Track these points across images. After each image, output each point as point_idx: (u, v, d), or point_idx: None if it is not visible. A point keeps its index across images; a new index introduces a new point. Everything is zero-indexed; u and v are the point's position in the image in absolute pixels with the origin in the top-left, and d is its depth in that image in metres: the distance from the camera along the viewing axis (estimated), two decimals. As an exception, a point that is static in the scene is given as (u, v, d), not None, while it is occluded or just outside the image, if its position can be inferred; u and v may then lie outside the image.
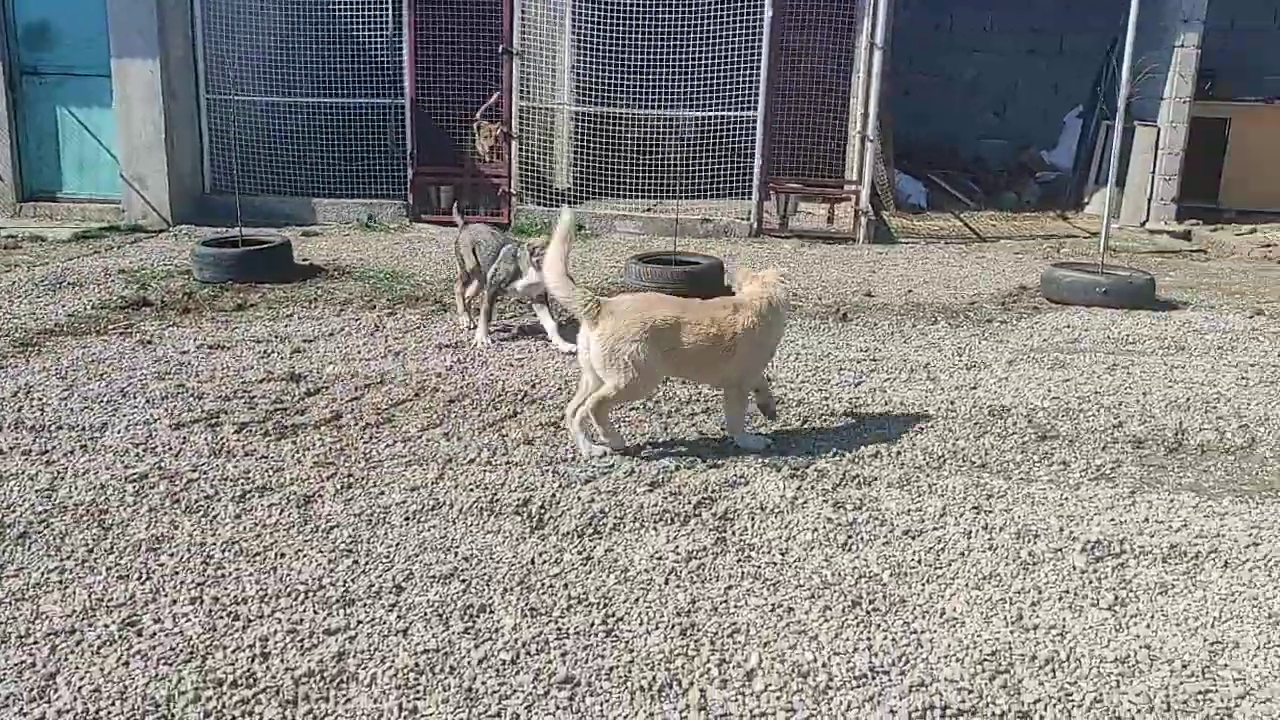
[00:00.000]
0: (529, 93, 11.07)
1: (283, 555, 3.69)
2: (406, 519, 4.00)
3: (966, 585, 3.57)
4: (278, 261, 8.37)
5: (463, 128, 11.41)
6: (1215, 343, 6.96)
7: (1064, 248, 10.83)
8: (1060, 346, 6.82)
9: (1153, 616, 3.38)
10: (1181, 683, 3.02)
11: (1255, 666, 3.10)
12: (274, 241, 8.57)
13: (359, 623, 3.26)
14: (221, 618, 3.27)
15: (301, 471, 4.44)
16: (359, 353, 6.30)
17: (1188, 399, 5.69)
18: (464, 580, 3.54)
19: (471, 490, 4.26)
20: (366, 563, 3.65)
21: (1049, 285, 8.18)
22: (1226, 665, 3.11)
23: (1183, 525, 4.06)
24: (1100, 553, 3.80)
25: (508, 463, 4.59)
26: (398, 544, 3.80)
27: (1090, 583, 3.59)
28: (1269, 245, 11.14)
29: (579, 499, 4.18)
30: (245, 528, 3.90)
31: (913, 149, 14.40)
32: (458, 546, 3.78)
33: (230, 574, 3.55)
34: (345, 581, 3.51)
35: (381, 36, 11.14)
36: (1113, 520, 4.10)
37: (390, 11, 10.99)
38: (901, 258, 10.00)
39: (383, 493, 4.23)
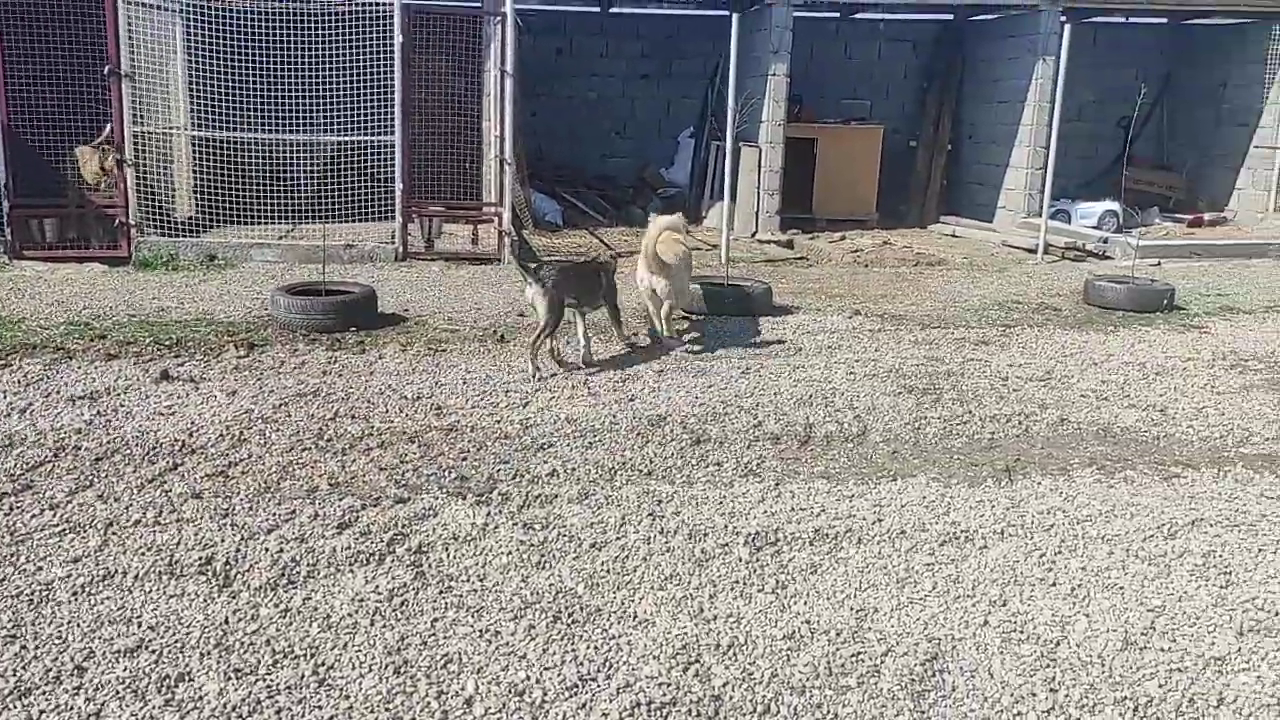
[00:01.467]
0: (143, 117, 10.33)
1: (-69, 654, 3.31)
2: (74, 594, 3.71)
3: (652, 587, 3.90)
4: None
5: (69, 154, 10.44)
6: (825, 343, 7.92)
7: (690, 260, 11.74)
8: (700, 355, 7.46)
9: (809, 594, 3.89)
10: (838, 649, 3.51)
11: (893, 626, 3.67)
12: None
13: (42, 713, 3.02)
14: None
15: (-67, 556, 3.97)
16: (-25, 413, 5.66)
17: (810, 395, 6.46)
18: (154, 651, 3.36)
19: (144, 554, 4.02)
20: (37, 646, 3.36)
21: (684, 297, 8.87)
22: (870, 628, 3.65)
23: (821, 510, 4.66)
24: (760, 543, 4.29)
25: (179, 520, 4.36)
26: (69, 621, 3.52)
27: (755, 571, 4.05)
28: (857, 250, 12.75)
29: (266, 550, 4.07)
30: (-125, 628, 3.45)
31: (545, 168, 14.97)
32: (140, 616, 3.58)
33: None
34: (15, 670, 3.22)
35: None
36: (765, 512, 4.63)
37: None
38: (546, 276, 10.40)
39: (40, 568, 3.89)
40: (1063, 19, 13.35)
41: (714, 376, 6.86)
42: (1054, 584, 4.00)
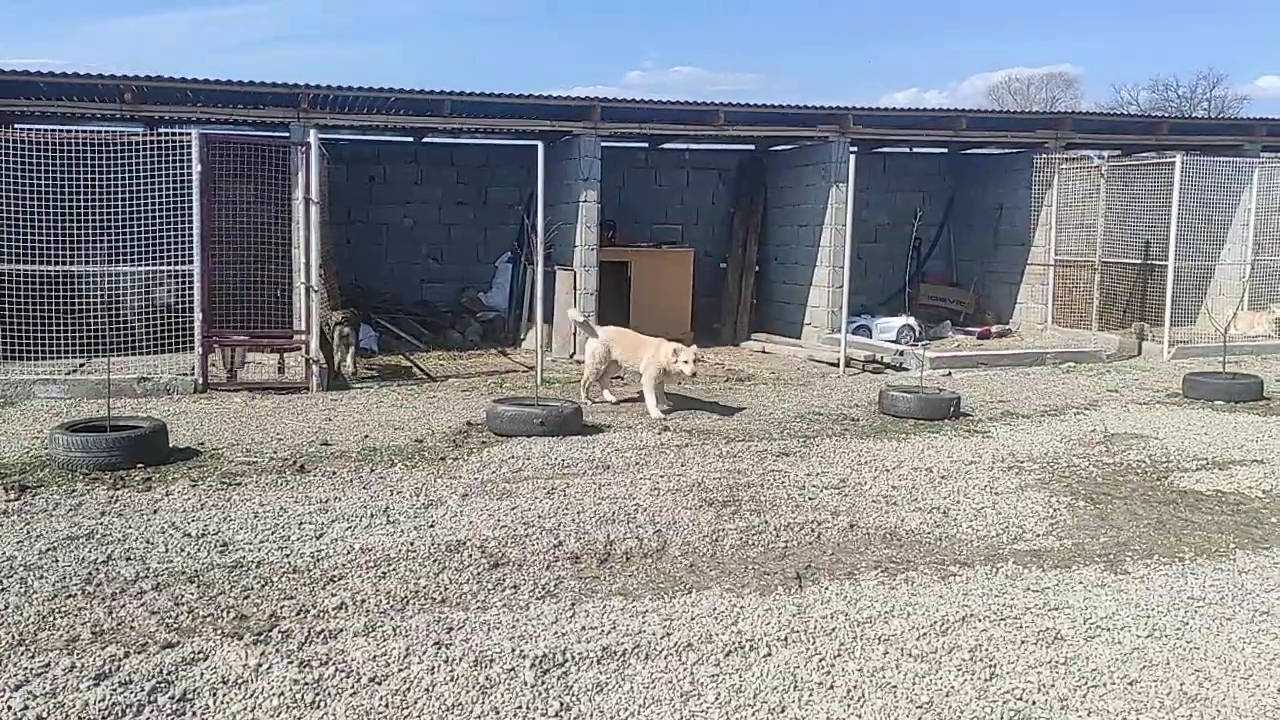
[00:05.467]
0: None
1: None
2: None
3: (432, 718, 3.79)
4: None
5: None
6: (634, 459, 8.01)
7: (505, 382, 11.77)
8: (507, 477, 7.43)
9: (592, 715, 3.85)
10: (617, 769, 3.47)
11: (673, 741, 3.67)
12: None
13: None
14: None
15: None
16: None
17: (613, 512, 6.50)
18: None
19: None
20: None
21: (493, 420, 8.88)
22: (651, 745, 3.64)
23: (612, 627, 4.65)
24: (547, 665, 4.24)
25: (-88, 683, 3.99)
26: None
27: (539, 694, 4.00)
28: (670, 368, 13.03)
29: (9, 708, 3.76)
30: None
31: (361, 295, 14.83)
32: None
33: None
34: None
35: None
36: (557, 633, 4.59)
37: None
38: (356, 403, 10.23)
39: None
40: (851, 149, 14.31)
41: (518, 498, 6.82)
42: (831, 687, 4.09)
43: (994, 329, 16.13)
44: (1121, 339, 14.49)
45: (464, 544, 5.84)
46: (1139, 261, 15.45)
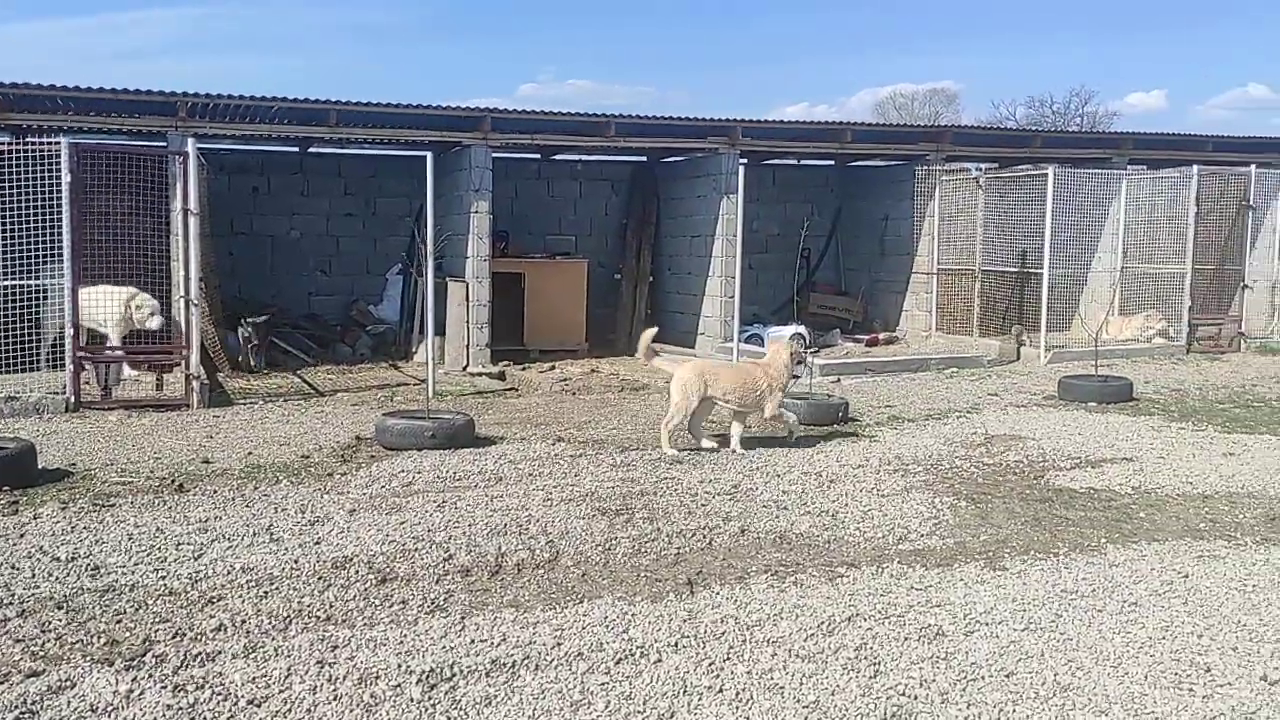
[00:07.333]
0: None
1: None
2: None
3: (314, 740, 3.69)
4: None
5: None
6: (527, 470, 7.96)
7: (396, 396, 11.59)
8: (396, 491, 7.30)
9: (480, 728, 3.80)
10: (505, 781, 3.43)
11: (562, 751, 3.64)
12: None
13: None
14: None
15: None
16: None
17: (505, 524, 6.44)
18: None
19: None
20: None
21: (383, 434, 8.72)
22: (540, 756, 3.60)
23: (502, 640, 4.60)
24: (434, 680, 4.16)
25: None
26: None
27: (426, 710, 3.92)
28: (566, 379, 13.02)
29: None
30: None
31: (246, 308, 14.43)
32: None
33: None
34: None
35: None
36: (445, 647, 4.51)
37: None
38: (240, 420, 9.94)
39: None
40: (741, 161, 14.50)
41: (408, 512, 6.71)
42: (720, 690, 4.11)
43: (882, 336, 16.52)
44: (1001, 344, 14.99)
45: (351, 560, 5.71)
46: (1016, 270, 16.02)
